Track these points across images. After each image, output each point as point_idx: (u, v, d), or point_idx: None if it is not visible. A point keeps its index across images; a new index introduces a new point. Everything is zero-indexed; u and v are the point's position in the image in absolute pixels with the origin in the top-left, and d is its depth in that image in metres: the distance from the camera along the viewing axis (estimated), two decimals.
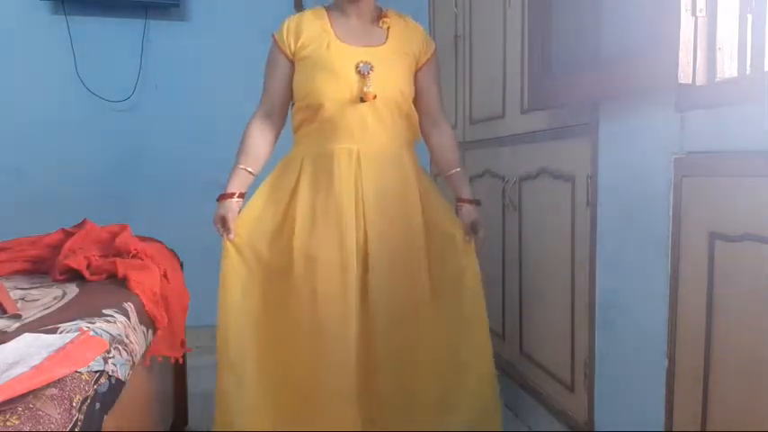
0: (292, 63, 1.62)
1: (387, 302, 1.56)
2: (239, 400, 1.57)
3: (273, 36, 1.64)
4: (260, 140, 1.65)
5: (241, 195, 1.62)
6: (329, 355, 1.52)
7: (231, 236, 1.58)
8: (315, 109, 1.56)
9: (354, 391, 1.52)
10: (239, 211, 1.61)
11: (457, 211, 1.72)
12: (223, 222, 1.59)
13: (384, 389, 1.58)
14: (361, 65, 1.54)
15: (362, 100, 1.53)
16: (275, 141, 1.69)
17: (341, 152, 1.56)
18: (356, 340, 1.53)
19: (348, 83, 1.54)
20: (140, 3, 2.72)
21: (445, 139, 1.73)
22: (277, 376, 1.59)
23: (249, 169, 1.63)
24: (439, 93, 1.74)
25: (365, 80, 1.54)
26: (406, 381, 1.60)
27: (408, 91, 1.63)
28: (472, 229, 1.68)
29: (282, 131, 1.71)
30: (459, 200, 1.72)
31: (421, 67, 1.67)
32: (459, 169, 1.73)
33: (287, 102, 1.67)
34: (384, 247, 1.57)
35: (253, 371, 1.58)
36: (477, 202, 1.72)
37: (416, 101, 1.68)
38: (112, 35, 2.76)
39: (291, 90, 1.64)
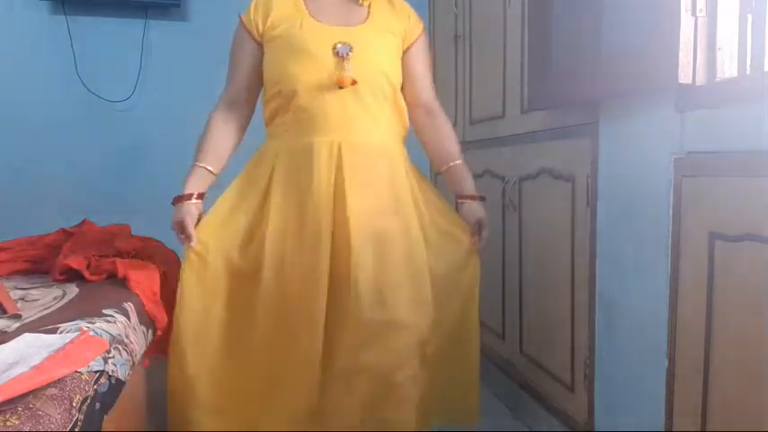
0: (260, 46, 1.46)
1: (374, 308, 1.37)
2: (192, 402, 1.40)
3: (240, 17, 1.47)
4: (222, 134, 1.48)
5: (200, 196, 1.45)
6: (293, 368, 1.38)
7: (193, 243, 1.40)
8: (288, 97, 1.40)
9: (315, 402, 1.37)
10: (200, 214, 1.45)
11: (457, 209, 1.60)
12: (181, 228, 1.41)
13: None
14: (340, 46, 1.38)
15: (340, 87, 1.37)
16: (241, 134, 1.53)
17: (320, 146, 1.38)
18: (321, 354, 1.36)
19: (325, 66, 1.37)
20: (140, 3, 2.72)
21: (442, 129, 1.56)
22: (240, 383, 1.43)
23: (209, 167, 1.46)
24: (431, 77, 1.58)
25: (343, 63, 1.37)
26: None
27: (394, 74, 1.47)
28: (477, 228, 1.53)
29: (254, 123, 1.57)
30: (461, 196, 1.56)
31: (408, 48, 1.51)
32: (459, 161, 1.55)
33: (254, 90, 1.51)
34: (372, 254, 1.37)
35: (211, 375, 1.41)
36: (482, 199, 1.56)
37: (406, 87, 1.52)
38: (112, 35, 2.75)
39: (259, 76, 1.48)
